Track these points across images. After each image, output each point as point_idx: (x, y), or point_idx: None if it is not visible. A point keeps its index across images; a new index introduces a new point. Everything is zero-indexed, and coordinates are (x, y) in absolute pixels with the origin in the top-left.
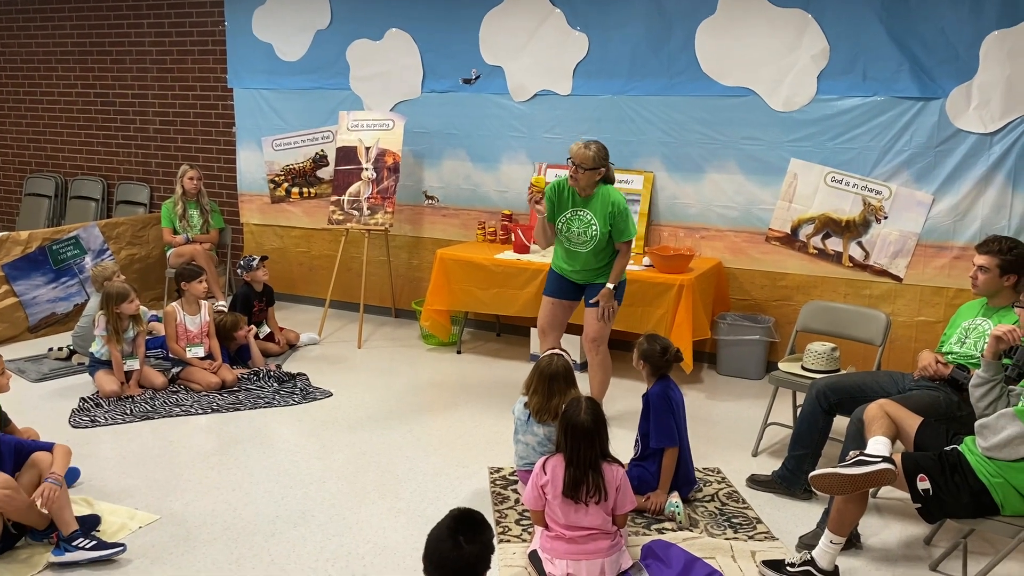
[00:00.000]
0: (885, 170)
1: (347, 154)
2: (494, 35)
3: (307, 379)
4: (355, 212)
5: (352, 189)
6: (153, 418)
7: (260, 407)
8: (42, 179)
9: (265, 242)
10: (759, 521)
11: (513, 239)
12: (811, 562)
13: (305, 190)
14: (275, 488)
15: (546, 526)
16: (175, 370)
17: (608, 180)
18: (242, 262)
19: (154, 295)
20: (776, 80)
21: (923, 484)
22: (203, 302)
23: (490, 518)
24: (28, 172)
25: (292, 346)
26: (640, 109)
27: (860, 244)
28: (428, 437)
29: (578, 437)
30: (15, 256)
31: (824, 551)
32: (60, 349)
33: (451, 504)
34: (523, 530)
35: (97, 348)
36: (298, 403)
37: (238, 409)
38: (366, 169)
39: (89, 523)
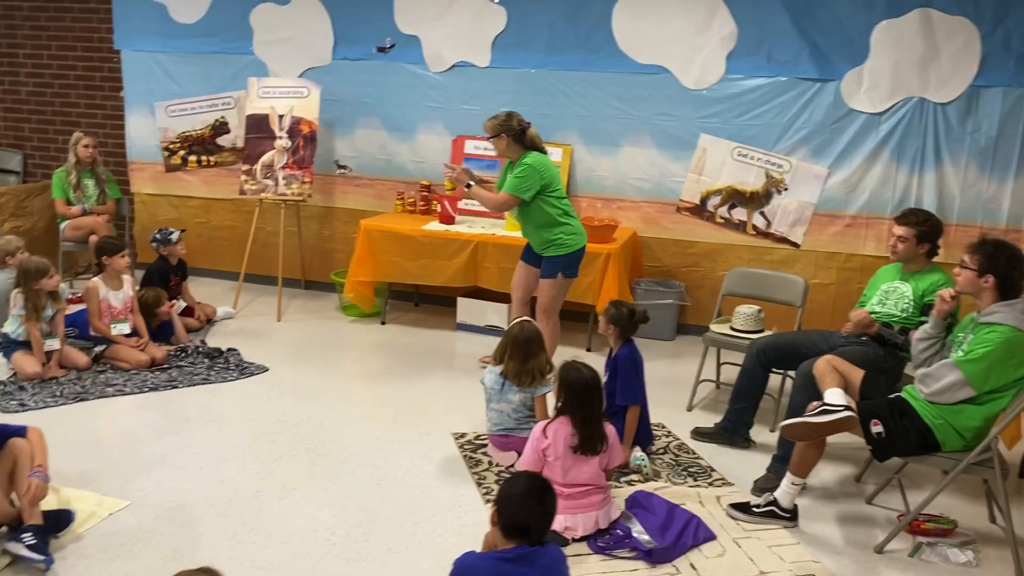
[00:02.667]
0: (786, 145)
1: (258, 122)
2: (410, 4)
3: (239, 354)
4: (269, 182)
5: (265, 158)
6: (87, 399)
7: (197, 384)
8: None
9: (159, 212)
10: (712, 469)
11: (439, 209)
12: (774, 502)
13: (204, 158)
14: (246, 463)
15: None
16: (98, 349)
17: (537, 148)
18: (158, 235)
19: None
20: (688, 59)
21: (876, 428)
22: (125, 277)
23: (468, 481)
24: None
25: (209, 320)
26: (558, 83)
27: (763, 214)
28: (381, 407)
29: (587, 394)
30: None
31: (785, 492)
32: None
33: (429, 470)
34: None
35: (13, 328)
36: (236, 379)
37: (175, 387)
38: (280, 138)
39: (62, 520)
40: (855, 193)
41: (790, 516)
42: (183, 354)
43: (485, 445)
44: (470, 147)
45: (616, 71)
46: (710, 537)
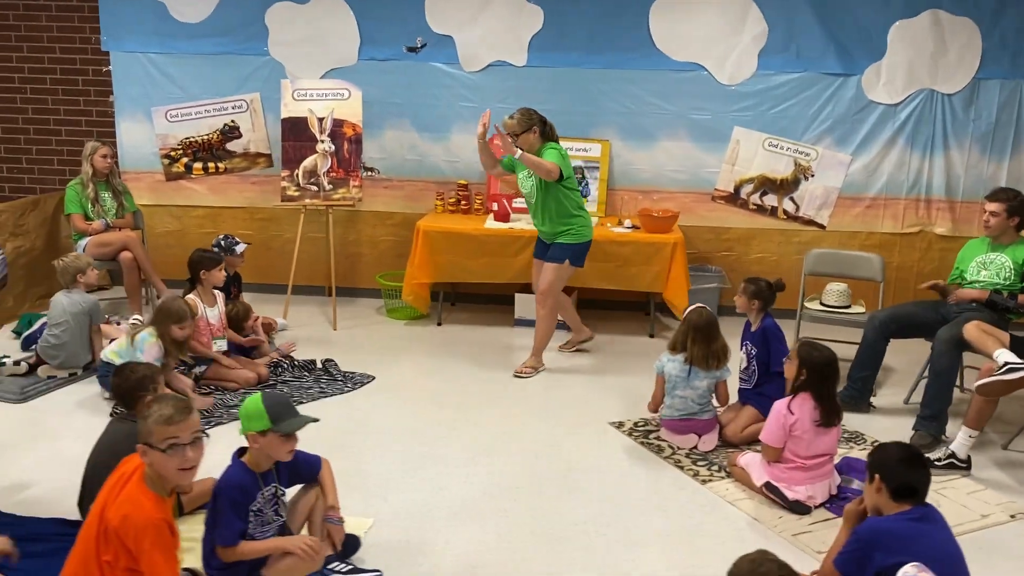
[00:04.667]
0: (812, 135)
1: (295, 125)
2: (442, 4)
3: (336, 364)
4: (313, 187)
5: (306, 163)
6: (224, 422)
7: (316, 398)
8: None
9: (158, 224)
10: (861, 434)
11: (496, 208)
12: (952, 455)
13: (211, 165)
14: (448, 470)
15: (776, 461)
16: (198, 370)
17: (554, 139)
18: (222, 242)
19: (43, 292)
20: (722, 57)
21: None
22: (217, 292)
23: (664, 464)
24: None
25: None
26: (596, 81)
27: (792, 199)
28: (518, 405)
29: (828, 370)
30: None
31: (962, 444)
32: (17, 363)
33: (624, 457)
34: (703, 468)
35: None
36: (350, 390)
37: (299, 402)
38: (322, 142)
39: (349, 547)
40: (874, 177)
41: (966, 466)
42: (279, 369)
43: (651, 431)
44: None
45: (653, 69)
46: None
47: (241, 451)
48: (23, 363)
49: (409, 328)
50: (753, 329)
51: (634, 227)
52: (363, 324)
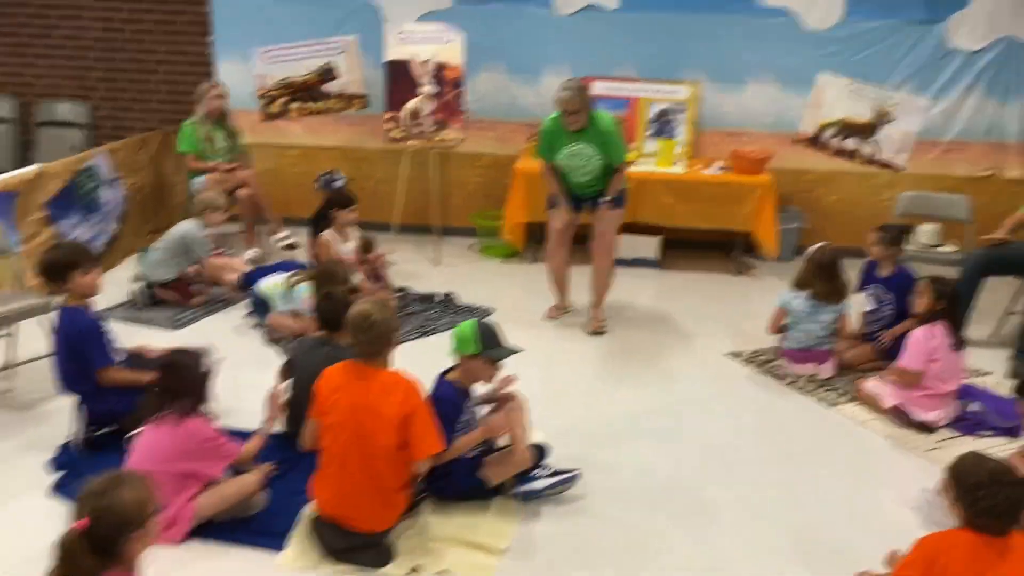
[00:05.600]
0: (895, 81)
1: (399, 68)
2: None
3: (455, 296)
4: (417, 129)
5: (410, 105)
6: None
7: (447, 328)
8: None
9: (255, 164)
10: None
11: None
12: None
13: (307, 105)
14: (603, 395)
15: (914, 385)
16: None
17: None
18: (323, 176)
19: (152, 227)
20: (810, 3)
21: None
22: (350, 230)
23: (784, 391)
24: None
25: None
26: (686, 25)
27: (872, 142)
28: (630, 339)
29: (957, 300)
30: (52, 193)
31: None
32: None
33: (750, 384)
34: (827, 393)
35: (281, 302)
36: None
37: (430, 333)
38: (425, 84)
39: (540, 453)
40: (952, 122)
41: None
42: (404, 300)
43: (768, 360)
44: (600, 88)
45: (742, 14)
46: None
47: (446, 371)
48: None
49: (506, 265)
50: (885, 275)
51: (725, 168)
52: (461, 261)
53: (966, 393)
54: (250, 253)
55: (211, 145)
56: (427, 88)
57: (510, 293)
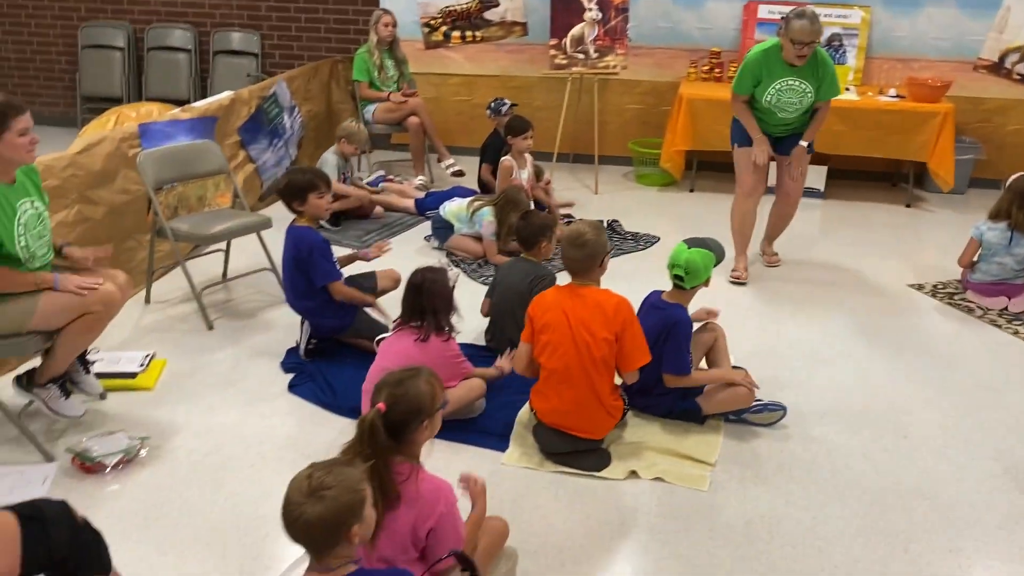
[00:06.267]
0: None
1: None
2: None
3: (620, 224)
4: (580, 56)
5: (574, 32)
6: None
7: (614, 256)
8: (105, 28)
9: (419, 91)
10: None
11: None
12: None
13: (469, 34)
14: (783, 322)
15: None
16: None
17: None
18: (492, 104)
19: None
20: None
21: None
22: (528, 156)
23: (975, 323)
24: (79, 19)
25: None
26: None
27: None
28: (811, 270)
29: None
30: (243, 119)
31: None
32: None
33: (938, 316)
34: (1021, 327)
35: (459, 226)
36: (642, 248)
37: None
38: (590, 10)
39: None
40: None
41: None
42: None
43: (954, 293)
44: (763, 12)
45: None
46: None
47: (659, 292)
48: None
49: (664, 194)
50: None
51: (898, 96)
52: (618, 189)
53: None
54: (419, 180)
55: (382, 73)
56: (592, 13)
57: (670, 222)
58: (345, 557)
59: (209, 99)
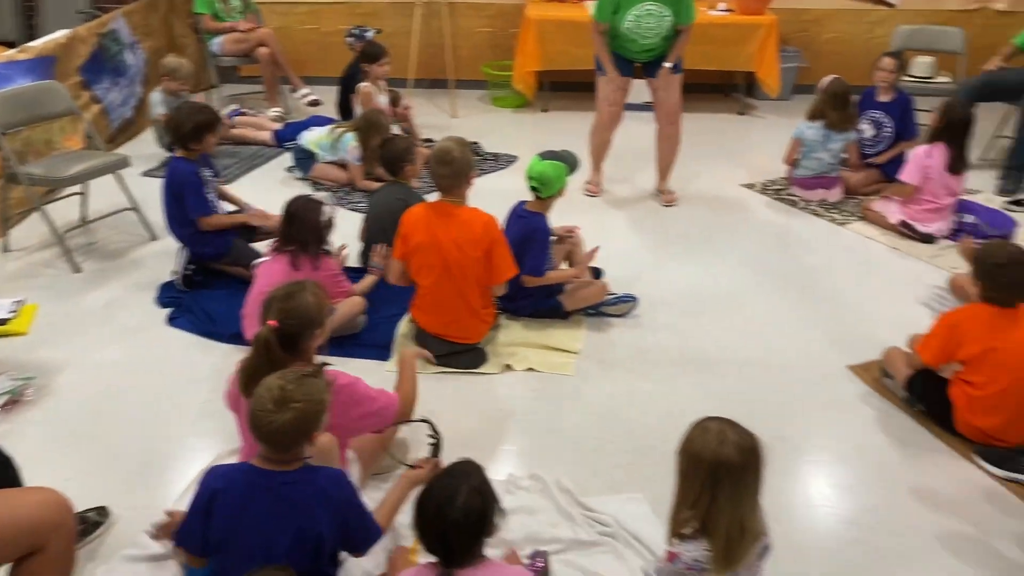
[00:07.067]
0: None
1: None
2: None
3: (480, 146)
4: None
5: None
6: None
7: (483, 175)
8: None
9: (265, 21)
10: None
11: None
12: None
13: None
14: (633, 228)
15: (909, 199)
16: None
17: None
18: (355, 30)
19: None
20: None
21: None
22: (382, 82)
23: (799, 214)
24: None
25: None
26: None
27: None
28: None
29: (965, 128)
30: (84, 58)
31: None
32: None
33: (768, 211)
34: (836, 215)
35: (322, 153)
36: (503, 167)
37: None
38: None
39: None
40: None
41: None
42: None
43: (780, 189)
44: None
45: None
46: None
47: (522, 202)
48: None
49: (519, 115)
50: (887, 101)
51: (728, 10)
52: (476, 112)
53: (962, 207)
54: (273, 112)
55: (224, 5)
56: None
57: (526, 142)
58: (301, 455)
59: (44, 38)
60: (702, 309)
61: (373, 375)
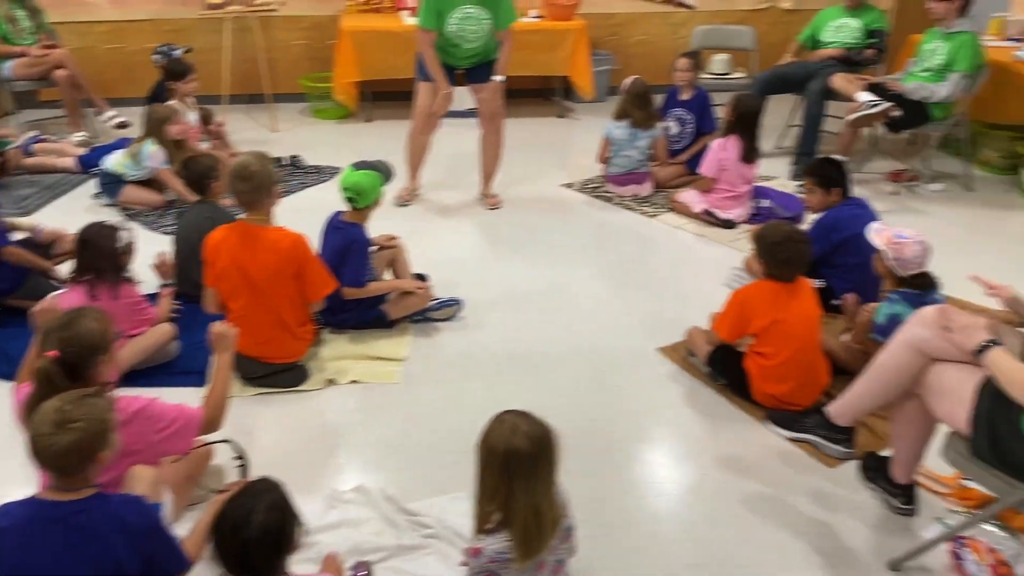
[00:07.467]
0: None
1: None
2: None
3: (302, 159)
4: None
5: None
6: None
7: (300, 189)
8: None
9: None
10: None
11: (411, 5)
12: None
13: None
14: (452, 232)
15: (710, 190)
16: None
17: None
18: (162, 48)
19: None
20: None
21: (896, 112)
22: (190, 99)
23: (614, 209)
24: None
25: None
26: None
27: None
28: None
29: (754, 118)
30: None
31: None
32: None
33: (586, 208)
34: (647, 208)
35: (130, 171)
36: (327, 180)
37: (287, 194)
38: None
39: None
40: None
41: None
42: None
43: (597, 187)
44: None
45: None
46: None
47: (339, 213)
48: None
49: (342, 126)
50: (686, 98)
51: (539, 16)
52: (297, 126)
53: (758, 193)
54: (77, 137)
55: (13, 26)
56: None
57: (350, 152)
58: (90, 480)
59: None
60: (526, 307)
61: (190, 402)
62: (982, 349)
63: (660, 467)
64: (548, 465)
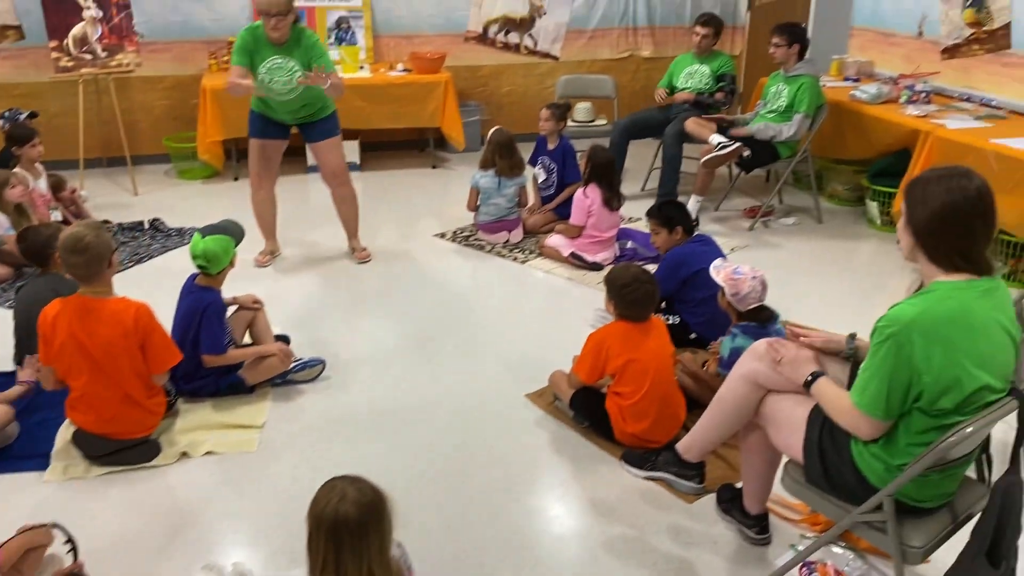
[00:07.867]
0: None
1: None
2: None
3: (163, 222)
4: (88, 56)
5: (75, 32)
6: None
7: (162, 253)
8: None
9: None
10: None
11: None
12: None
13: None
14: (323, 282)
15: (578, 236)
16: None
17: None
18: (7, 113)
19: None
20: None
21: (747, 152)
22: (39, 166)
23: (487, 257)
24: None
25: None
26: None
27: (530, 36)
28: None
29: (611, 167)
30: None
31: (693, 207)
32: None
33: (458, 257)
34: (519, 254)
35: None
36: (187, 243)
37: (148, 257)
38: (88, 8)
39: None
40: (593, 11)
41: (697, 223)
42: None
43: (469, 235)
44: None
45: None
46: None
47: (194, 276)
48: None
49: (208, 186)
50: (552, 148)
51: (406, 70)
52: (160, 188)
53: (622, 235)
54: None
55: None
56: (91, 11)
57: (216, 213)
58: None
59: None
60: (393, 362)
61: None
62: (809, 381)
63: (524, 517)
64: (380, 531)
